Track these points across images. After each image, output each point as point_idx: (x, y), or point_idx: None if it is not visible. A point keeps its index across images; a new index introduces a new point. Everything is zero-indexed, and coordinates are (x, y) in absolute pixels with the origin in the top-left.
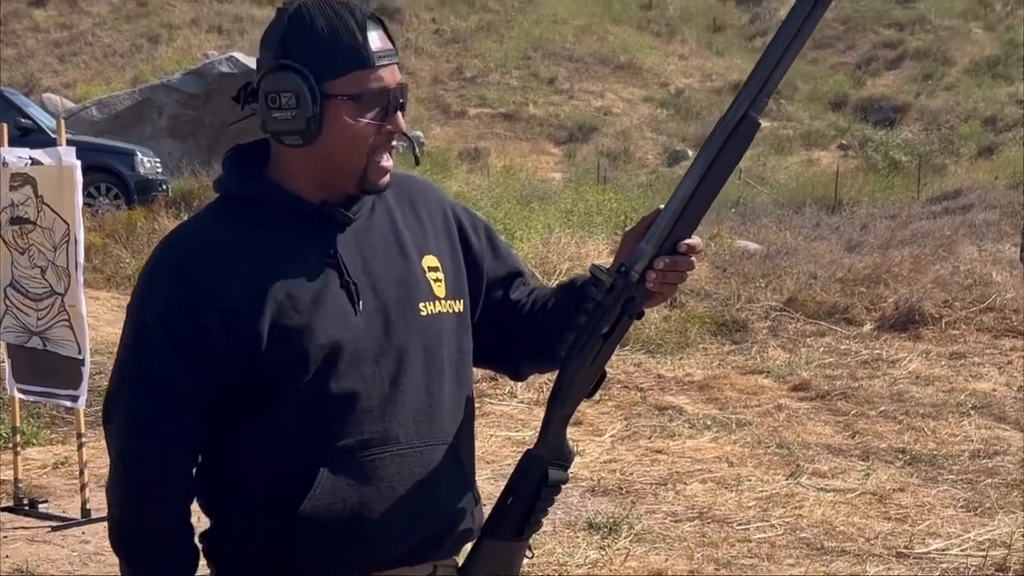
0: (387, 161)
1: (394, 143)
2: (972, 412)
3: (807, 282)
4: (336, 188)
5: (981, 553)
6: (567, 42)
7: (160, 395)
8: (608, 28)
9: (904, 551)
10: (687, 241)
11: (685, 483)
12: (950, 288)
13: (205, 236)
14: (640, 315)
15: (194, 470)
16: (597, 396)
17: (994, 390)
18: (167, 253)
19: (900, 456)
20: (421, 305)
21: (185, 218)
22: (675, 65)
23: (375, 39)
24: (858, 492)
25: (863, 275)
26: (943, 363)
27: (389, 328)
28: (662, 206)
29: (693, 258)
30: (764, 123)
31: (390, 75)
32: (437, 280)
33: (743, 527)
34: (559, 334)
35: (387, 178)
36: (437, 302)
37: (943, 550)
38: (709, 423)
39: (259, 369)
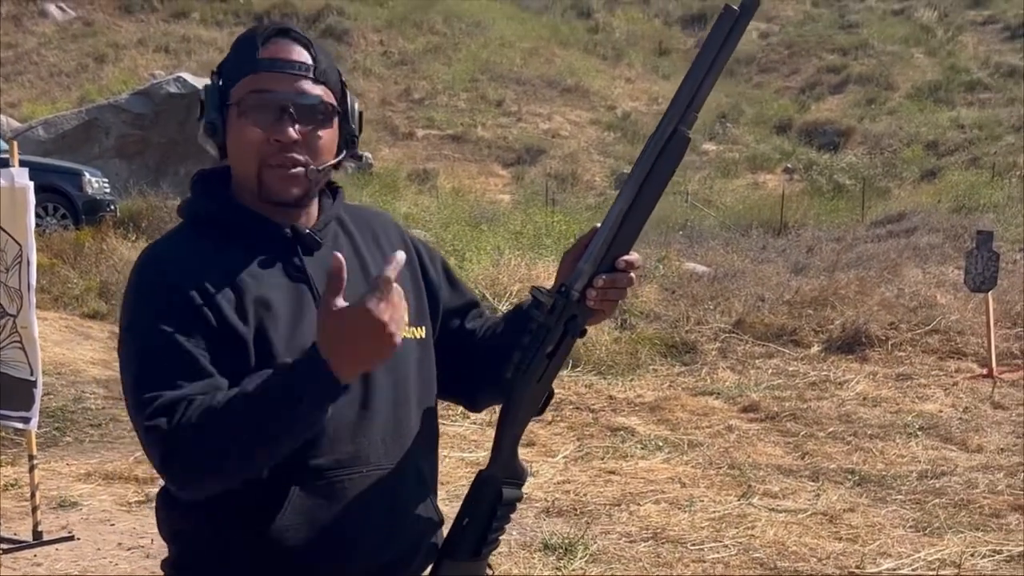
0: (285, 170)
1: (299, 157)
2: (919, 433)
3: (755, 304)
4: (260, 201)
5: (931, 573)
6: (514, 65)
7: (188, 367)
8: (555, 51)
9: (856, 571)
10: (625, 257)
11: (639, 504)
12: (895, 310)
13: (179, 253)
14: (583, 333)
15: (158, 493)
16: (549, 417)
17: (940, 411)
18: (148, 267)
19: (849, 477)
20: None
21: (134, 239)
22: (622, 88)
23: (271, 48)
24: (809, 512)
25: (810, 297)
26: (890, 384)
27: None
28: (599, 225)
29: (632, 274)
30: (711, 147)
31: (278, 82)
32: None
33: (697, 548)
34: (506, 358)
35: (295, 190)
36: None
37: (894, 570)
38: (661, 444)
39: (238, 381)
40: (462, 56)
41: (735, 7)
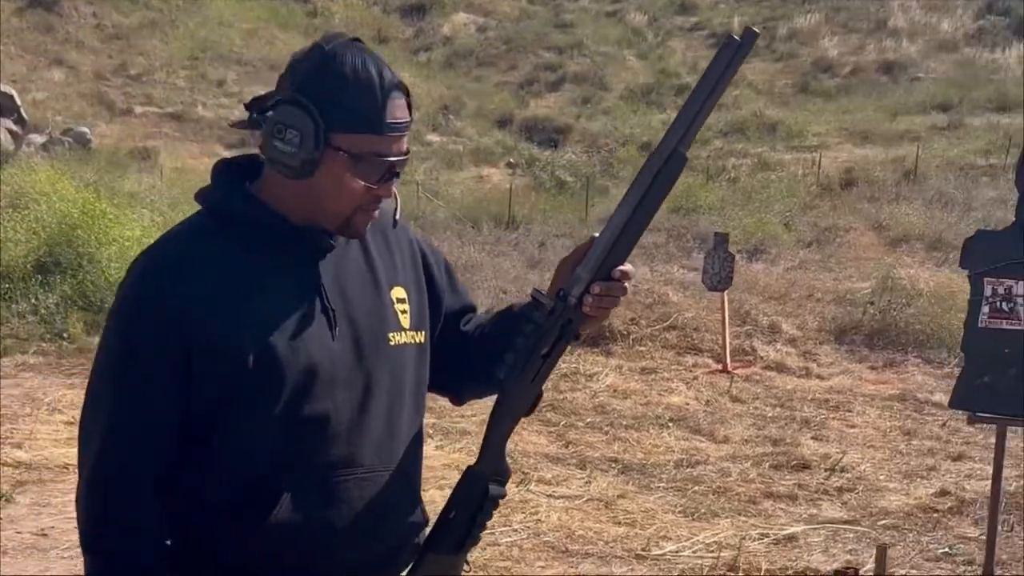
0: (372, 215)
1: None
2: (670, 424)
3: (498, 297)
4: (318, 223)
5: (712, 554)
6: (235, 45)
7: (137, 414)
8: (275, 33)
9: (642, 553)
10: (620, 268)
11: (424, 490)
12: (633, 307)
13: (187, 254)
14: (577, 337)
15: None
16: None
17: (686, 404)
18: (150, 273)
19: (613, 465)
20: (390, 335)
21: None
22: None
23: (394, 108)
24: (585, 499)
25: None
26: (636, 378)
27: (361, 355)
28: (596, 235)
29: (627, 283)
30: (434, 138)
31: (397, 146)
32: (404, 311)
33: (488, 532)
34: (500, 358)
35: (368, 228)
36: (403, 333)
37: (677, 552)
38: (431, 431)
39: (238, 390)
40: (180, 34)
41: (737, 38)
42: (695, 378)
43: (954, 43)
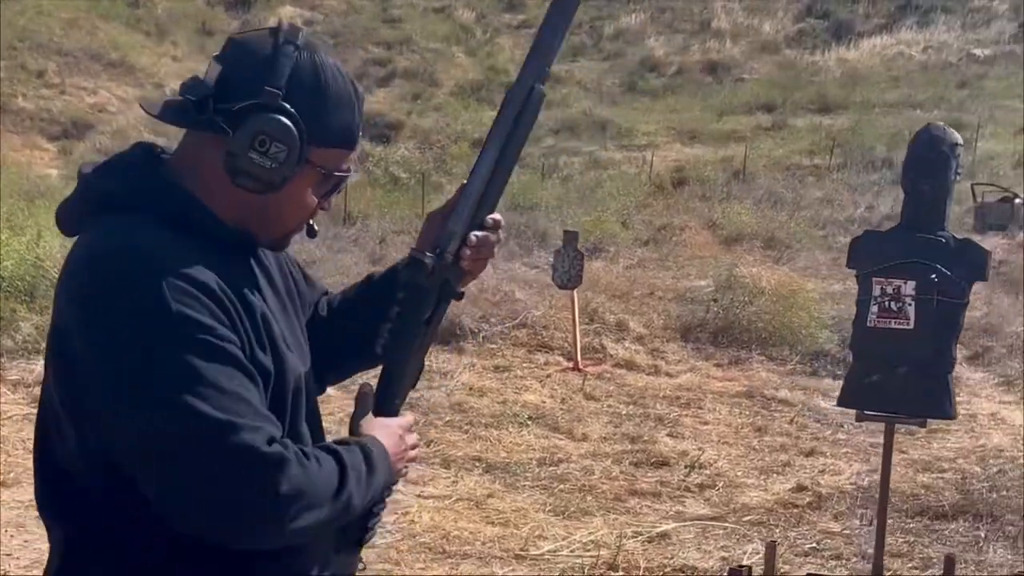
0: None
1: None
2: (529, 422)
3: None
4: (250, 231)
5: (590, 554)
6: (55, 35)
7: (228, 367)
8: (97, 23)
9: (521, 553)
10: (492, 216)
11: None
12: (480, 304)
13: (176, 253)
14: (461, 296)
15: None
16: None
17: (542, 402)
18: (142, 258)
19: (477, 464)
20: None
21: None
22: (169, 66)
23: (360, 119)
24: (454, 498)
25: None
26: (490, 376)
27: (304, 360)
28: (464, 183)
29: (500, 233)
30: None
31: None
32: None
33: None
34: (374, 331)
35: None
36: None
37: (555, 551)
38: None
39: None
40: None
41: None
42: (548, 376)
43: (776, 45)
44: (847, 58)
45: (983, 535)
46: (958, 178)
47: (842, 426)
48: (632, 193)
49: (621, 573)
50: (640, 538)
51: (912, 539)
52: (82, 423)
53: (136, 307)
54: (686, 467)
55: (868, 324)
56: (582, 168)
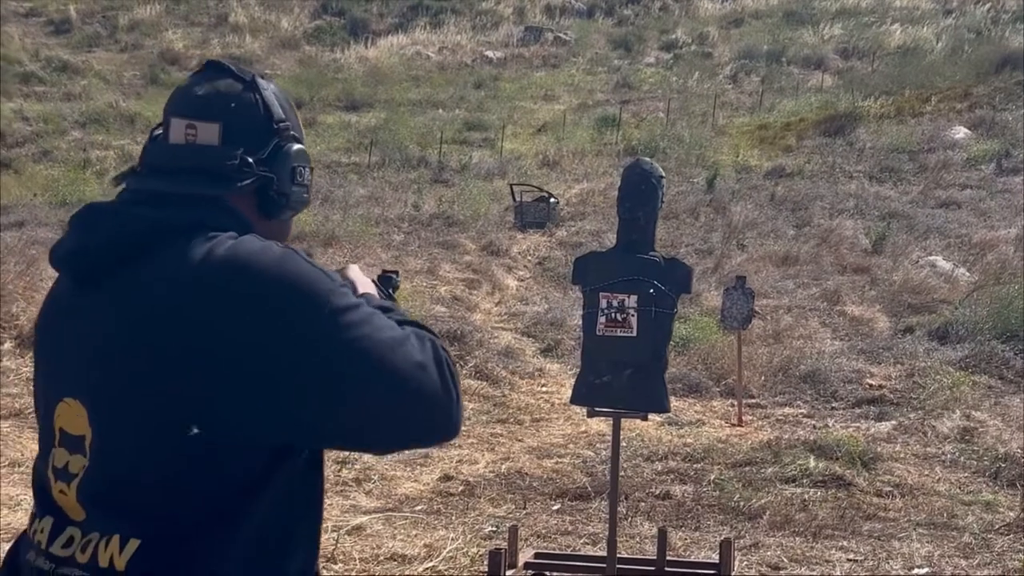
0: None
1: None
2: None
3: None
4: None
5: None
6: None
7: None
8: None
9: None
10: None
11: None
12: None
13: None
14: None
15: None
16: None
17: None
18: (292, 253)
19: None
20: None
21: None
22: None
23: None
24: None
25: None
26: None
27: None
28: None
29: None
30: None
31: None
32: None
33: None
34: None
35: None
36: None
37: None
38: None
39: None
40: None
41: None
42: None
43: (296, 41)
44: (367, 56)
45: (624, 511)
46: (662, 205)
47: (468, 418)
48: None
49: (340, 565)
50: (340, 531)
51: (568, 519)
52: (249, 423)
53: (325, 289)
54: (336, 463)
55: (597, 333)
56: (115, 162)
